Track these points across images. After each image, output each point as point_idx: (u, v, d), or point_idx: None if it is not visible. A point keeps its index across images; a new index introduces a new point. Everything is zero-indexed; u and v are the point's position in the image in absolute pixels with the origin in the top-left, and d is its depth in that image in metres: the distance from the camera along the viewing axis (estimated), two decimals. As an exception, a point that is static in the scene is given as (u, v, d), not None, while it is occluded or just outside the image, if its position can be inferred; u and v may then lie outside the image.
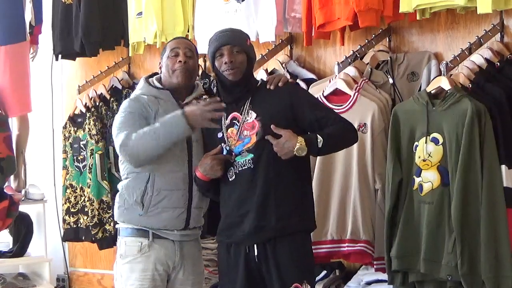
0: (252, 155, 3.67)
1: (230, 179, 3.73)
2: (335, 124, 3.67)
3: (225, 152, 3.75)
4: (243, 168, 3.69)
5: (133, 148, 3.69)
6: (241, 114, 3.73)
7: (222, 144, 3.76)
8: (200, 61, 5.46)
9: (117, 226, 3.97)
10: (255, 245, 3.68)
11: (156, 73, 4.00)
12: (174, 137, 3.69)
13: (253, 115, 3.71)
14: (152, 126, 3.71)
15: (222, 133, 3.76)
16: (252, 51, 3.80)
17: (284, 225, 3.64)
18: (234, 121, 3.75)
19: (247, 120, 3.72)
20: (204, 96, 4.00)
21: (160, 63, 3.94)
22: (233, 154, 3.72)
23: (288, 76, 4.91)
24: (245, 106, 3.74)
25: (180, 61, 3.83)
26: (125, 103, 3.89)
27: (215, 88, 3.88)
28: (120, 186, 3.91)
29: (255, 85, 3.81)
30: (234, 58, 3.68)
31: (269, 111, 3.69)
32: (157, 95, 3.88)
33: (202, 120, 3.67)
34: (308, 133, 3.65)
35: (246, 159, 3.68)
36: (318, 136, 3.58)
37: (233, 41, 3.71)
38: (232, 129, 3.74)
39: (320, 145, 3.57)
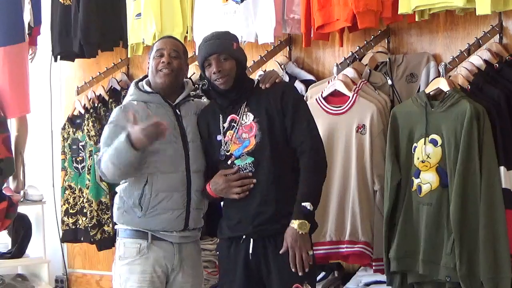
0: (253, 159, 3.67)
1: None
2: (304, 158, 3.64)
3: (223, 153, 3.75)
4: (244, 171, 3.69)
5: (102, 169, 3.76)
6: (238, 116, 3.74)
7: (221, 147, 3.75)
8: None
9: (116, 227, 3.97)
10: (251, 240, 3.67)
11: (146, 76, 3.99)
12: (127, 161, 3.67)
13: (251, 117, 3.71)
14: (108, 150, 3.71)
15: (221, 136, 3.76)
16: (240, 53, 3.77)
17: (284, 224, 3.64)
18: (232, 123, 3.74)
19: (245, 122, 3.71)
20: (203, 98, 3.99)
21: (148, 63, 3.93)
22: (233, 157, 3.72)
23: (287, 78, 4.92)
24: (242, 108, 3.73)
25: (163, 62, 3.83)
26: (114, 112, 3.91)
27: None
28: (118, 189, 3.91)
29: (251, 86, 3.79)
30: (222, 67, 3.66)
31: (266, 112, 3.68)
32: (147, 99, 3.87)
33: (147, 139, 3.65)
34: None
35: (246, 163, 3.68)
36: (303, 205, 3.57)
37: (219, 49, 3.68)
38: (231, 132, 3.74)
39: (311, 208, 3.59)
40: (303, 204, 3.58)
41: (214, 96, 3.80)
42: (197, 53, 5.11)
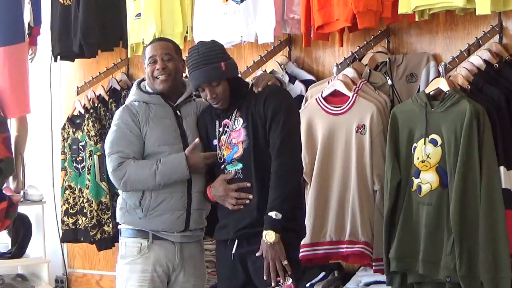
0: (241, 165, 3.69)
1: None
2: (273, 163, 3.60)
3: (218, 161, 3.77)
4: (234, 178, 3.71)
5: (127, 178, 3.77)
6: (230, 121, 3.75)
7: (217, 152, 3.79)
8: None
9: (119, 227, 3.97)
10: (235, 242, 3.70)
11: None
12: (170, 181, 3.77)
13: (241, 122, 3.72)
14: (151, 163, 3.76)
15: (216, 140, 3.78)
16: (230, 70, 3.72)
17: (259, 229, 3.63)
18: (225, 128, 3.76)
19: (236, 127, 3.73)
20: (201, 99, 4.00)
21: (144, 68, 3.93)
22: (225, 162, 3.74)
23: (287, 78, 4.92)
24: (234, 113, 3.74)
25: (158, 69, 3.83)
26: (117, 113, 3.92)
27: None
28: (120, 190, 3.92)
29: (244, 91, 3.78)
30: (216, 92, 3.68)
31: (251, 118, 3.69)
32: (148, 100, 3.88)
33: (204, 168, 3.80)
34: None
35: (236, 169, 3.71)
36: (269, 215, 3.54)
37: (208, 78, 3.66)
38: (223, 137, 3.76)
39: (279, 217, 3.54)
40: (269, 214, 3.56)
41: (210, 105, 3.82)
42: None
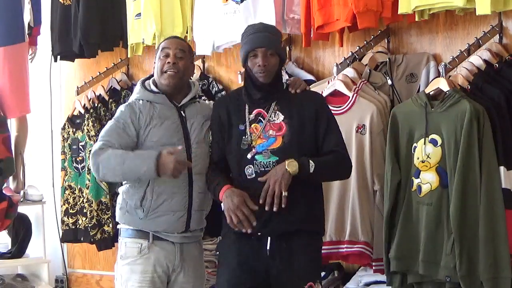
0: (277, 158, 3.64)
1: (248, 177, 3.68)
2: (334, 154, 3.68)
3: (245, 142, 3.71)
4: (265, 169, 3.65)
5: (100, 162, 3.74)
6: (267, 112, 3.73)
7: (243, 137, 3.73)
8: (199, 62, 5.47)
9: (118, 226, 3.96)
10: (268, 239, 3.65)
11: (153, 75, 3.99)
12: (137, 174, 3.72)
13: (281, 116, 3.71)
14: (126, 152, 3.73)
15: (245, 126, 3.73)
16: (284, 51, 3.83)
17: (300, 226, 3.64)
18: (259, 117, 3.73)
19: (274, 120, 3.71)
20: (203, 98, 3.99)
21: (154, 63, 3.93)
22: (254, 150, 3.69)
23: (287, 77, 4.92)
24: (272, 105, 3.73)
25: (169, 62, 3.82)
26: (120, 108, 3.91)
27: (214, 89, 3.85)
28: (120, 190, 3.91)
29: (281, 86, 3.80)
30: (268, 62, 3.67)
31: (298, 116, 3.69)
32: (152, 99, 3.87)
33: (172, 171, 3.67)
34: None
35: (270, 161, 3.66)
36: (311, 161, 3.60)
37: (269, 44, 3.68)
38: (256, 125, 3.72)
39: (311, 170, 3.59)
40: (309, 159, 3.60)
41: (247, 86, 3.77)
42: (197, 53, 5.12)
